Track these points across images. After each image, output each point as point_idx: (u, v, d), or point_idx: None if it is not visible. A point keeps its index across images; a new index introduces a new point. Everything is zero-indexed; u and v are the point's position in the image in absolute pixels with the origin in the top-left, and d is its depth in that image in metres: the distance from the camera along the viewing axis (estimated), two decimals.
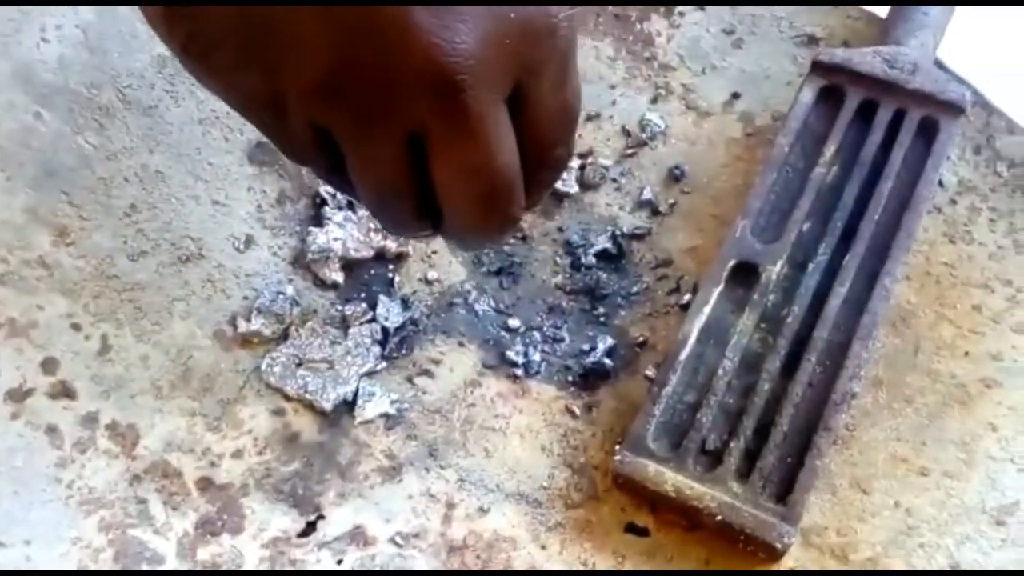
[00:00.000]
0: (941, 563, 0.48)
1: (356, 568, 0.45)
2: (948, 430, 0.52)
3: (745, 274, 0.53)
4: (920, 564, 0.48)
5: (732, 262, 0.53)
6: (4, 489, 0.42)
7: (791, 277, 0.53)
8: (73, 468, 0.44)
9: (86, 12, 0.53)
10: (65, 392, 0.46)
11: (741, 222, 0.54)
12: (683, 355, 0.51)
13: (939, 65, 0.61)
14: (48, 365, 0.47)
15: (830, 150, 0.56)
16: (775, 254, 0.53)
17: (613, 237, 0.60)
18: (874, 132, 0.56)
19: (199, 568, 0.43)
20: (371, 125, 0.33)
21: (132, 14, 0.54)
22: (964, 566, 0.47)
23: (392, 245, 0.57)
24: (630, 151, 0.63)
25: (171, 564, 0.43)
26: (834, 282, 0.52)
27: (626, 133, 0.63)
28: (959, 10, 0.64)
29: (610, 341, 0.56)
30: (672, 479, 0.48)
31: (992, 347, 0.54)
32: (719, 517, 0.46)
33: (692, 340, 0.51)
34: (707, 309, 0.52)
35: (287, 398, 0.51)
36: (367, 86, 0.32)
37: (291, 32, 0.31)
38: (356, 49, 0.31)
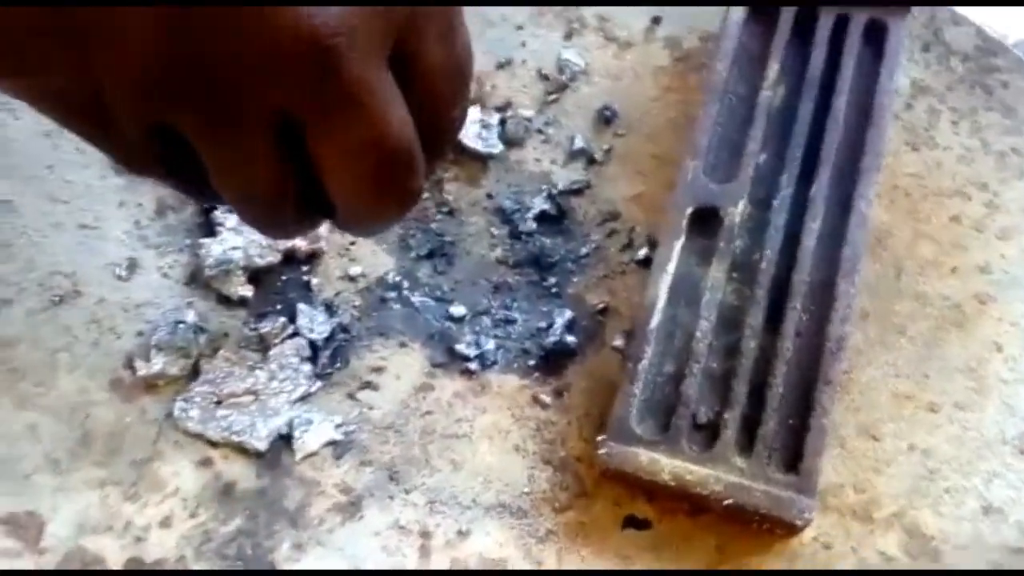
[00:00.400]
0: (973, 507, 0.44)
1: None
2: (950, 357, 0.48)
3: (706, 221, 0.48)
4: (949, 511, 0.44)
5: (689, 209, 0.48)
6: None
7: (756, 217, 0.48)
8: None
9: None
10: None
11: (691, 163, 0.49)
12: (654, 321, 0.46)
13: None
14: None
15: (772, 70, 0.51)
16: (734, 194, 0.48)
17: (550, 196, 0.54)
18: (817, 44, 0.51)
19: None
20: (229, 119, 0.26)
21: None
22: (997, 505, 0.44)
23: (302, 243, 0.49)
24: (551, 96, 0.57)
25: None
26: (804, 216, 0.47)
27: (544, 77, 0.57)
28: None
29: (568, 314, 0.50)
30: (668, 465, 0.42)
31: (979, 259, 0.51)
32: (728, 500, 0.42)
33: (661, 303, 0.46)
34: (671, 266, 0.47)
35: (212, 444, 0.43)
36: (215, 73, 0.25)
37: (105, 20, 0.24)
38: (193, 31, 0.25)
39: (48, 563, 0.38)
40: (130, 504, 0.41)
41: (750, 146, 0.49)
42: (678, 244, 0.48)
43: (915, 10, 0.56)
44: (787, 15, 0.52)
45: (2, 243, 0.44)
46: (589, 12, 0.58)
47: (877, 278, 0.51)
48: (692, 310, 0.46)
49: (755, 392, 0.44)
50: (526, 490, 0.45)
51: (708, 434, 0.44)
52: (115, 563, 0.39)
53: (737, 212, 0.48)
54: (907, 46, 0.55)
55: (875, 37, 0.52)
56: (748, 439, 0.44)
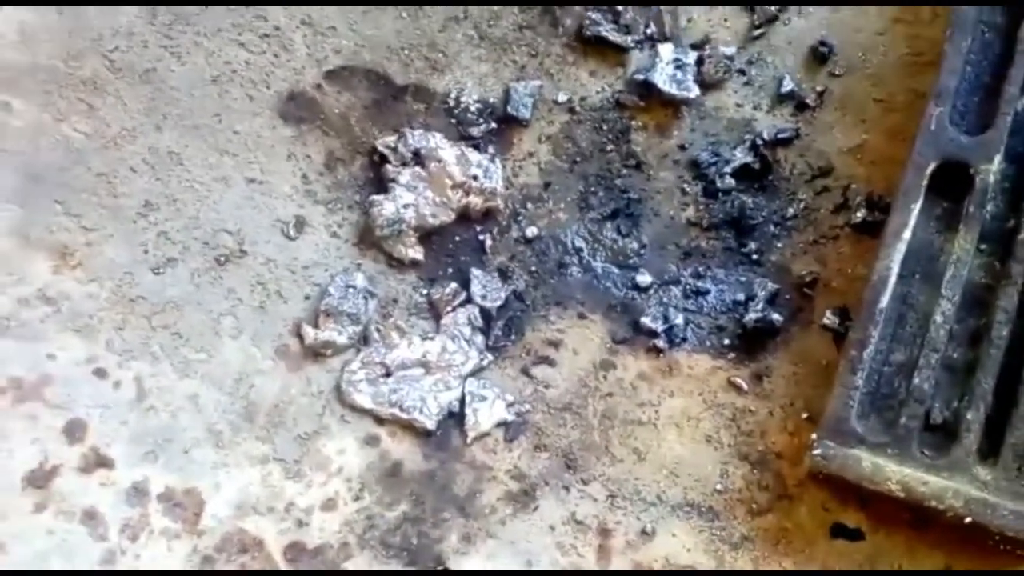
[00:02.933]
0: None
1: None
2: None
3: (952, 179, 0.41)
4: None
5: (932, 165, 0.41)
6: None
7: (1014, 177, 0.40)
8: (125, 561, 0.35)
9: None
10: (100, 462, 0.37)
11: (935, 109, 0.41)
12: (884, 300, 0.39)
13: None
14: (73, 430, 0.37)
15: None
16: (988, 148, 0.40)
17: (753, 147, 0.48)
18: None
19: None
20: None
21: None
22: None
23: (477, 201, 0.46)
24: (758, 31, 0.50)
25: None
26: None
27: (749, 8, 0.50)
28: None
29: (771, 286, 0.45)
30: (897, 473, 0.37)
31: None
32: (969, 519, 0.36)
33: (893, 278, 0.40)
34: (907, 233, 0.40)
35: (379, 420, 0.41)
36: None
37: None
38: None
39: (206, 545, 0.37)
40: (293, 483, 0.39)
41: (1009, 89, 0.41)
42: (916, 207, 0.41)
43: None
44: None
45: (169, 198, 0.42)
46: None
47: None
48: (930, 287, 0.40)
49: (1004, 389, 0.38)
50: (719, 488, 0.40)
51: (944, 437, 0.38)
52: (274, 548, 0.37)
53: (991, 170, 0.40)
54: None
55: None
56: (993, 445, 0.37)
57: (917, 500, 0.36)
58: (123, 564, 0.35)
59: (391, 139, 0.46)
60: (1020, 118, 0.42)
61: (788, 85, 0.49)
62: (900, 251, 0.40)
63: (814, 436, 0.38)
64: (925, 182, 0.40)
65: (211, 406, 0.40)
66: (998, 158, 0.40)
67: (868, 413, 0.38)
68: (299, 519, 0.38)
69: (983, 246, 0.40)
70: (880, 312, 0.39)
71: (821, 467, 0.37)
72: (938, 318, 0.38)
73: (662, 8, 0.50)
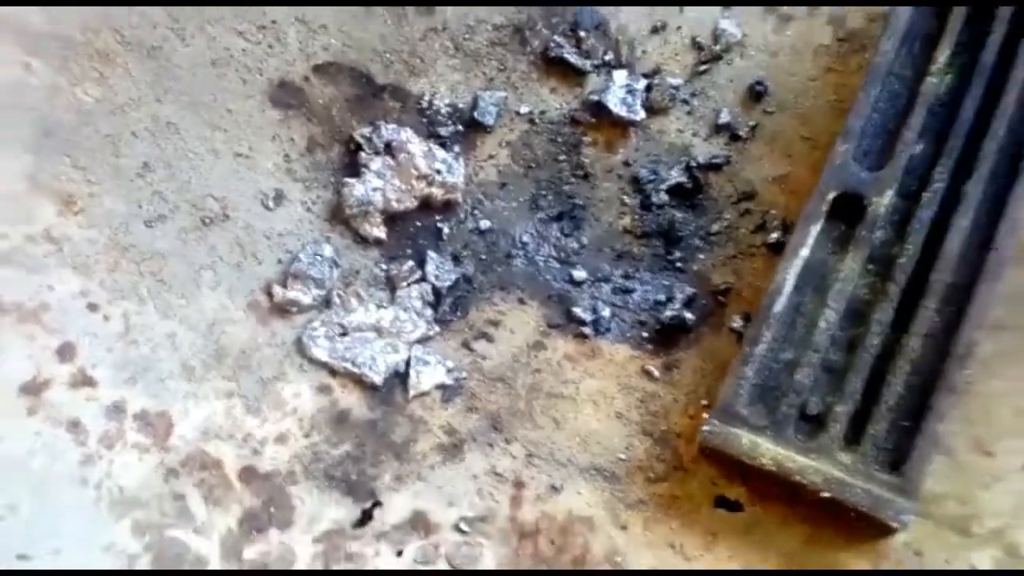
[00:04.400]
0: None
1: (420, 562, 0.42)
2: None
3: (848, 208, 0.48)
4: None
5: (833, 194, 0.48)
6: (25, 496, 0.39)
7: (902, 209, 0.48)
8: (100, 466, 0.41)
9: None
10: (85, 381, 0.43)
11: (841, 146, 0.49)
12: (778, 305, 0.46)
13: None
14: (65, 352, 0.44)
15: (943, 55, 0.50)
16: (883, 183, 0.48)
17: (687, 169, 0.55)
18: (995, 30, 0.49)
19: (248, 563, 0.40)
20: None
21: None
22: None
23: (438, 192, 0.52)
24: (703, 67, 0.57)
25: (215, 566, 0.40)
26: (954, 214, 0.47)
27: (697, 46, 0.58)
28: None
29: (689, 290, 0.52)
30: (770, 451, 0.44)
31: None
32: (827, 494, 0.42)
33: (788, 288, 0.47)
34: (804, 251, 0.47)
35: (332, 372, 0.47)
36: None
37: None
38: None
39: (172, 461, 0.43)
40: (252, 418, 0.45)
41: (907, 135, 0.49)
42: (815, 228, 0.48)
43: None
44: (965, 6, 0.51)
45: (165, 161, 0.49)
46: None
47: (1019, 289, 0.49)
48: (819, 298, 0.47)
49: (871, 389, 0.45)
50: (622, 457, 0.47)
51: (816, 425, 0.45)
52: (231, 469, 0.44)
53: (883, 202, 0.48)
54: None
55: None
56: (856, 435, 0.44)
57: (785, 474, 0.42)
58: (99, 467, 0.41)
59: (367, 130, 0.53)
60: (914, 161, 0.49)
61: (725, 117, 0.56)
62: (797, 266, 0.47)
63: (705, 415, 0.44)
64: (826, 208, 0.47)
65: (186, 345, 0.46)
66: (890, 193, 0.47)
67: (755, 401, 0.45)
68: (254, 448, 0.44)
69: (870, 267, 0.47)
70: (773, 316, 0.46)
71: (708, 441, 0.44)
72: (822, 325, 0.45)
73: (619, 39, 0.57)
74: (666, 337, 0.51)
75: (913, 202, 0.48)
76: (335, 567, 0.41)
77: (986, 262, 0.46)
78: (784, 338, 0.47)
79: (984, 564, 0.43)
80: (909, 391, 0.45)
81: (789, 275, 0.47)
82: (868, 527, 0.44)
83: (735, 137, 0.56)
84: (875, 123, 0.50)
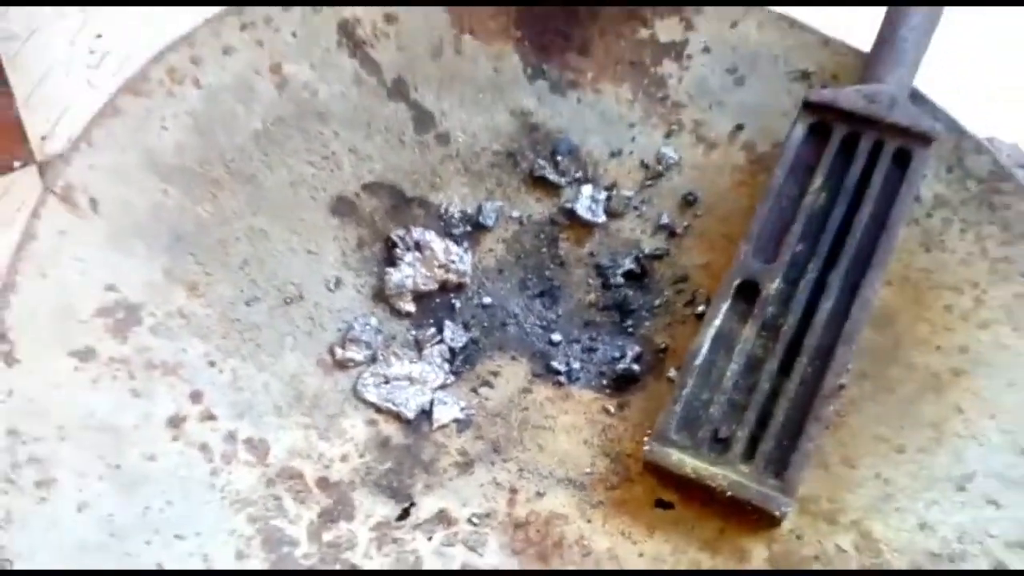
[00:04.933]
0: (912, 523, 0.60)
1: (442, 544, 0.60)
2: (923, 414, 0.60)
3: (748, 290, 0.67)
4: (895, 524, 0.61)
5: (737, 280, 0.67)
6: (175, 495, 0.57)
7: (786, 292, 0.66)
8: (223, 475, 0.59)
9: (195, 100, 0.67)
10: (209, 416, 0.61)
11: (744, 246, 0.68)
12: (698, 361, 0.65)
13: (916, 95, 0.73)
14: (195, 396, 0.61)
15: (818, 179, 0.69)
16: (773, 273, 0.67)
17: (637, 259, 0.73)
18: (856, 162, 0.68)
19: (327, 545, 0.58)
20: None
21: (232, 98, 0.68)
22: (930, 523, 0.61)
23: (453, 277, 0.71)
24: (649, 182, 0.76)
25: (304, 546, 0.58)
26: (822, 295, 0.65)
27: (645, 166, 0.76)
28: (938, 40, 0.76)
29: (637, 349, 0.70)
30: (691, 463, 0.61)
31: (960, 341, 0.64)
32: (729, 493, 0.60)
33: (705, 348, 0.65)
34: (717, 322, 0.66)
35: (378, 410, 0.65)
36: None
37: None
38: None
39: (270, 472, 0.61)
40: (323, 442, 0.63)
41: (790, 237, 0.67)
42: (724, 306, 0.66)
43: (945, 137, 0.72)
44: (836, 137, 0.70)
45: (258, 259, 0.67)
46: (687, 117, 0.77)
47: (880, 348, 0.67)
48: (727, 355, 0.65)
49: (762, 419, 0.63)
50: (588, 471, 0.64)
51: (724, 445, 0.63)
52: (311, 479, 0.61)
53: (772, 287, 0.66)
54: (935, 165, 0.72)
55: (902, 161, 0.68)
56: (752, 452, 0.62)
57: (702, 481, 0.60)
58: (222, 476, 0.58)
59: (401, 232, 0.71)
60: (795, 257, 0.67)
61: (665, 219, 0.74)
62: (711, 332, 0.65)
63: (646, 439, 0.62)
64: (732, 291, 0.66)
65: (276, 391, 0.64)
66: (778, 280, 0.65)
67: (681, 429, 0.62)
68: (325, 464, 0.62)
69: (762, 333, 0.65)
70: (695, 368, 0.64)
71: (649, 458, 0.61)
72: (728, 374, 0.63)
73: (587, 161, 0.76)
74: (620, 384, 0.69)
75: (794, 287, 0.66)
76: (385, 548, 0.59)
77: (844, 330, 0.64)
78: (702, 384, 0.65)
79: (845, 545, 0.60)
80: (789, 421, 0.63)
81: (705, 339, 0.65)
82: (762, 519, 0.61)
83: (673, 234, 0.75)
84: (768, 229, 0.69)
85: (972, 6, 0.93)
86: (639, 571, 0.57)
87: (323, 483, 0.60)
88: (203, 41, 0.67)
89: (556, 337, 0.68)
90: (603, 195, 0.74)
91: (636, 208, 0.74)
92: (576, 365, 0.66)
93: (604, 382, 0.66)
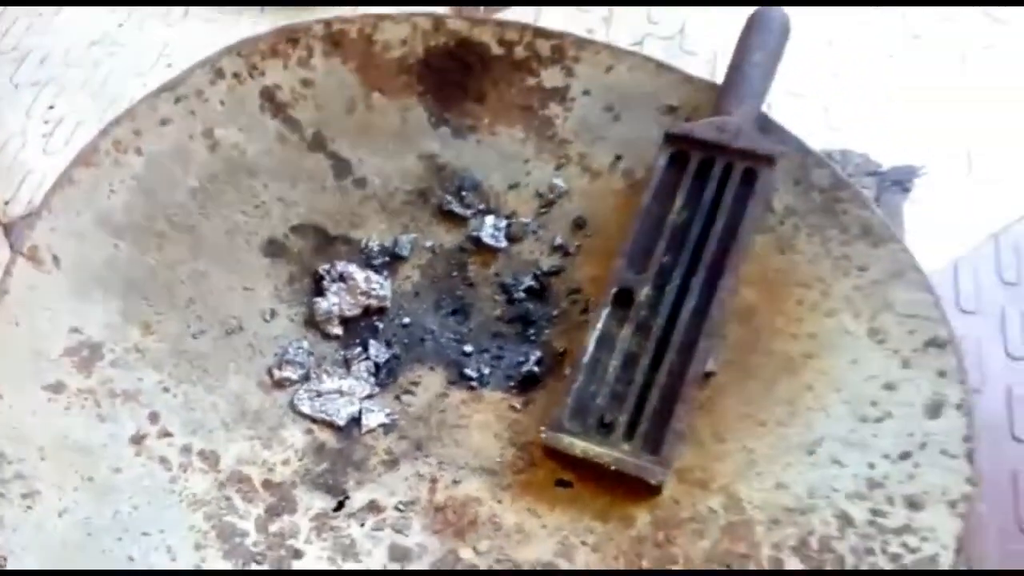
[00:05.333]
0: (771, 484, 0.71)
1: (372, 529, 0.70)
2: (780, 392, 0.65)
3: (624, 298, 0.78)
4: (756, 486, 0.71)
5: (614, 289, 0.78)
6: (141, 501, 0.66)
7: (655, 297, 0.78)
8: (180, 482, 0.69)
9: (138, 166, 0.77)
10: (167, 434, 0.71)
11: (619, 260, 0.79)
12: (585, 359, 0.76)
13: (766, 121, 0.86)
14: (153, 417, 0.71)
15: (680, 200, 0.80)
16: (644, 281, 0.78)
17: (536, 276, 0.84)
18: (710, 184, 0.80)
19: (273, 534, 0.68)
20: None
21: (170, 162, 0.79)
22: (786, 484, 0.72)
23: (374, 303, 0.82)
24: (543, 209, 0.85)
25: (252, 536, 0.68)
26: (685, 298, 0.77)
27: (539, 196, 0.84)
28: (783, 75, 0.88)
29: (539, 354, 0.81)
30: (581, 445, 0.72)
31: (810, 329, 0.70)
32: (613, 467, 0.71)
33: (591, 348, 0.76)
34: (599, 325, 0.77)
35: (313, 420, 0.75)
36: None
37: None
38: None
39: (222, 478, 0.70)
40: (266, 451, 0.73)
41: (657, 251, 0.79)
42: (605, 312, 0.78)
43: (792, 156, 0.84)
44: (693, 163, 0.82)
45: (201, 297, 0.77)
46: (573, 151, 0.88)
47: (743, 340, 0.79)
48: (609, 353, 0.76)
49: (640, 405, 0.74)
50: (498, 460, 0.75)
51: (609, 429, 0.74)
52: (257, 481, 0.71)
53: (644, 293, 0.78)
54: (784, 180, 0.84)
55: (749, 181, 0.81)
56: (631, 432, 0.73)
57: (591, 459, 0.69)
58: (180, 483, 0.68)
59: (326, 266, 0.82)
60: (662, 267, 0.79)
61: (559, 241, 0.85)
62: (595, 334, 0.75)
63: (542, 428, 0.73)
64: (610, 298, 0.77)
65: (223, 410, 0.74)
66: (647, 287, 0.77)
67: (573, 417, 0.73)
68: (269, 468, 0.71)
69: (636, 333, 0.76)
70: (583, 365, 0.75)
71: (546, 442, 0.72)
72: (610, 369, 0.74)
73: (489, 194, 0.88)
74: (524, 385, 0.80)
75: (662, 292, 0.78)
76: (324, 534, 0.69)
77: (704, 327, 0.76)
78: (589, 378, 0.76)
79: (715, 506, 0.71)
80: (661, 405, 0.73)
81: (591, 340, 0.76)
82: (645, 489, 0.72)
83: (566, 253, 0.86)
84: (639, 244, 0.80)
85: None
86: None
87: (268, 484, 0.70)
88: (143, 115, 0.77)
89: (468, 348, 0.79)
90: (504, 223, 0.85)
91: (534, 232, 0.85)
92: (486, 371, 0.77)
93: (511, 384, 0.77)
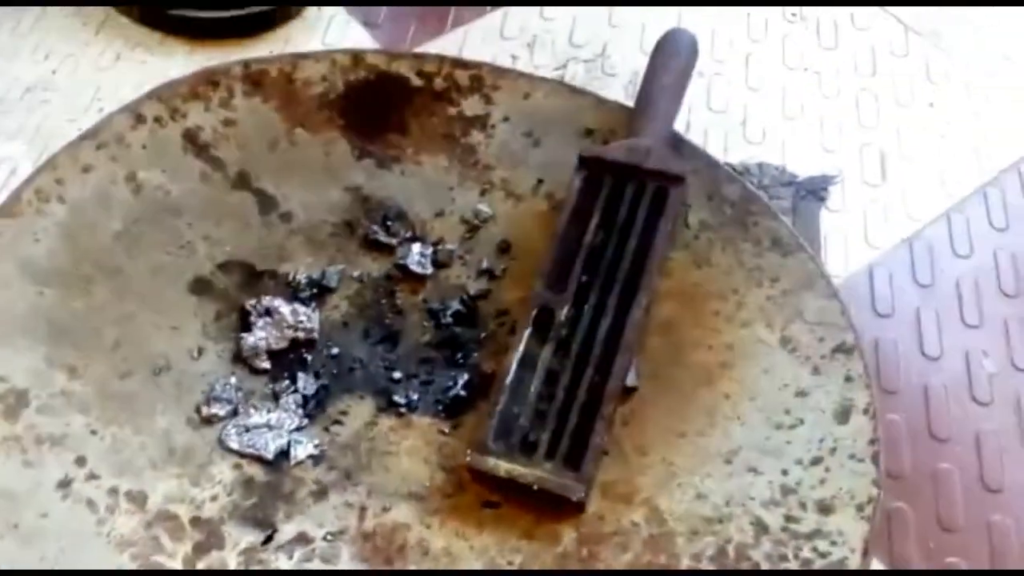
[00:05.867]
0: (691, 495, 0.71)
1: (301, 560, 0.71)
2: (699, 403, 0.65)
3: (544, 317, 0.79)
4: (677, 498, 0.71)
5: (535, 309, 0.79)
6: (67, 544, 0.67)
7: (574, 315, 0.79)
8: (108, 524, 0.69)
9: (61, 213, 0.78)
10: (94, 476, 0.71)
11: (538, 281, 0.80)
12: (508, 380, 0.77)
13: (678, 140, 0.88)
14: (80, 461, 0.72)
15: (594, 222, 0.81)
16: (563, 301, 0.79)
17: (463, 300, 0.85)
18: (623, 205, 0.82)
19: (201, 571, 0.68)
20: None
21: (93, 207, 0.80)
22: (705, 494, 0.73)
23: (302, 335, 0.83)
24: (469, 235, 0.82)
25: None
26: (601, 316, 0.78)
27: (464, 221, 0.83)
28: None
29: (466, 377, 0.82)
30: (505, 466, 0.73)
31: (727, 339, 0.71)
32: (536, 487, 0.72)
33: (513, 369, 0.77)
34: (521, 347, 0.78)
35: (241, 455, 0.76)
36: None
37: None
38: None
39: (149, 517, 0.71)
40: (194, 488, 0.73)
41: (575, 271, 0.80)
42: (527, 332, 0.79)
43: (703, 171, 0.86)
44: (606, 185, 0.83)
45: (128, 339, 0.78)
46: (496, 176, 0.89)
47: (663, 352, 0.80)
48: (531, 373, 0.77)
49: (561, 422, 0.75)
50: (427, 484, 0.75)
51: (531, 448, 0.75)
52: (185, 518, 0.72)
53: (563, 312, 0.79)
54: (696, 196, 0.85)
55: (660, 199, 0.82)
56: (552, 451, 0.74)
57: (515, 479, 0.70)
58: (108, 525, 0.69)
59: (252, 301, 0.83)
60: (580, 286, 0.80)
61: (485, 264, 0.86)
62: (517, 355, 0.76)
63: (467, 451, 0.74)
64: (532, 317, 0.78)
65: (151, 449, 0.74)
66: (567, 306, 0.78)
67: (498, 438, 0.74)
68: (197, 505, 0.72)
69: (558, 351, 0.77)
70: (505, 386, 0.75)
71: (471, 465, 0.72)
72: (532, 388, 0.75)
73: (414, 222, 0.89)
74: (453, 408, 0.80)
75: (580, 311, 0.79)
76: (252, 567, 0.70)
77: (620, 343, 0.77)
78: (512, 399, 0.76)
79: (637, 519, 0.72)
80: (581, 422, 0.75)
81: (513, 361, 0.77)
82: (568, 507, 0.73)
83: (493, 276, 0.87)
84: (557, 265, 0.81)
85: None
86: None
87: (196, 521, 0.71)
88: (64, 164, 0.78)
89: (397, 375, 0.80)
90: (430, 250, 0.87)
91: (460, 258, 0.86)
92: (415, 396, 0.78)
93: (440, 408, 0.78)
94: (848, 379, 0.72)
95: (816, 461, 0.69)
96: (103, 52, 1.09)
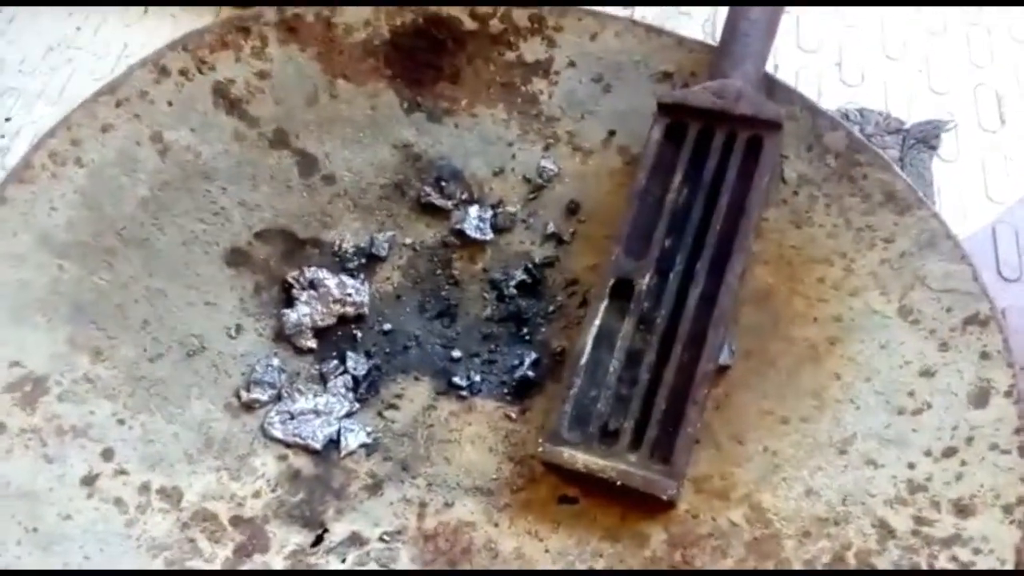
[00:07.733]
0: (799, 491, 0.63)
1: (354, 563, 0.63)
2: (803, 383, 0.63)
3: (623, 288, 0.70)
4: (783, 494, 0.63)
5: (611, 280, 0.70)
6: (92, 550, 0.60)
7: (658, 285, 0.69)
8: (138, 526, 0.62)
9: (80, 178, 0.70)
10: (122, 472, 0.64)
11: (615, 247, 0.71)
12: (583, 360, 0.68)
13: (770, 82, 0.77)
14: (106, 454, 0.64)
15: (678, 178, 0.72)
16: (644, 269, 0.70)
17: (528, 269, 0.77)
18: (711, 157, 0.72)
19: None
20: None
21: (116, 171, 0.72)
22: (816, 489, 0.63)
23: (350, 310, 0.74)
24: (533, 195, 0.79)
25: None
26: (690, 285, 0.68)
27: (527, 180, 0.80)
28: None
29: (534, 355, 0.73)
30: (582, 458, 0.64)
31: (834, 311, 0.66)
32: (619, 482, 0.63)
33: (588, 348, 0.68)
34: (597, 321, 0.69)
35: (287, 445, 0.68)
36: None
37: None
38: None
39: (185, 517, 0.63)
40: (234, 483, 0.66)
41: (657, 234, 0.71)
42: (602, 305, 0.70)
43: (800, 117, 0.75)
44: (691, 135, 0.73)
45: (158, 317, 0.70)
46: (561, 129, 0.80)
47: (760, 325, 0.71)
48: (609, 351, 0.68)
49: (646, 408, 0.66)
50: (494, 477, 0.67)
51: (613, 438, 0.66)
52: (224, 518, 0.64)
53: (645, 282, 0.69)
54: (794, 146, 0.75)
55: (754, 149, 0.72)
56: (638, 441, 0.65)
57: (595, 473, 0.63)
58: (138, 526, 0.61)
59: (295, 273, 0.75)
60: (663, 252, 0.70)
61: (551, 228, 0.77)
62: (592, 331, 0.68)
63: (540, 441, 0.66)
64: (608, 289, 0.69)
65: (186, 440, 0.67)
66: (649, 275, 0.69)
67: (573, 426, 0.66)
68: (239, 502, 0.65)
69: (640, 327, 0.68)
70: (580, 367, 0.67)
71: (544, 457, 0.64)
72: (611, 369, 0.66)
73: (471, 183, 0.79)
74: (520, 391, 0.72)
75: (664, 280, 0.69)
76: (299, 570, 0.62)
77: (712, 315, 0.67)
78: (589, 382, 0.68)
79: (737, 519, 0.63)
80: (670, 408, 0.66)
81: (588, 338, 0.68)
82: (657, 504, 0.64)
83: (560, 241, 0.78)
84: (637, 228, 0.72)
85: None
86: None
87: (237, 520, 0.63)
88: (80, 123, 0.70)
89: (456, 353, 0.72)
90: (489, 213, 0.78)
91: (523, 221, 0.78)
92: (477, 378, 0.70)
93: (505, 391, 0.70)
94: (984, 356, 0.62)
95: (949, 452, 0.60)
96: (129, 7, 1.00)
